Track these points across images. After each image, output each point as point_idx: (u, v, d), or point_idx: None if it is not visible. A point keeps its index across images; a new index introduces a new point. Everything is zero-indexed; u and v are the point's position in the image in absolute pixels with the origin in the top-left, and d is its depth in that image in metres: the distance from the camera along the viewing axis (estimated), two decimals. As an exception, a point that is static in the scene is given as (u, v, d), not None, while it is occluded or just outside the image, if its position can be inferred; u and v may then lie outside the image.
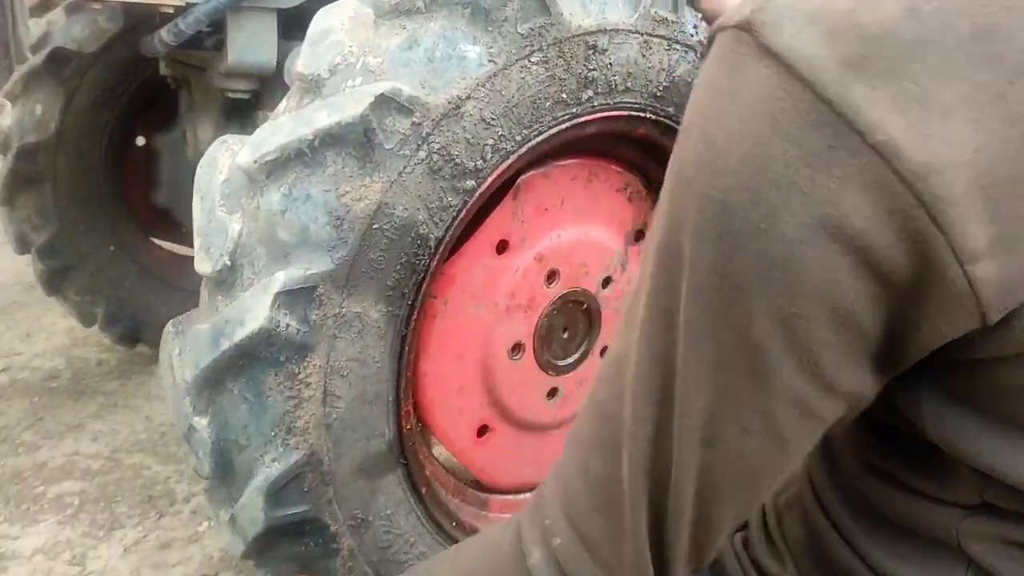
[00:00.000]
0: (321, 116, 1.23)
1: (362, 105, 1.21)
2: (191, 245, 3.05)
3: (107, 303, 2.86)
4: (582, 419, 0.77)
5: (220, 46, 1.95)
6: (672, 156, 0.63)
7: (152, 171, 2.79)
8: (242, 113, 2.11)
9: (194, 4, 1.77)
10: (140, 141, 2.84)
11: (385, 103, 1.22)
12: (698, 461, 0.67)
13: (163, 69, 2.32)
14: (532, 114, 1.35)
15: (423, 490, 1.47)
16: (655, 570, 0.73)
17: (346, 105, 1.22)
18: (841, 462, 0.85)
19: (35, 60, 2.43)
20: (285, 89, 2.00)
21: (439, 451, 1.71)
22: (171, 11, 1.80)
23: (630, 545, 0.72)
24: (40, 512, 2.28)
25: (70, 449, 2.57)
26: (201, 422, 1.32)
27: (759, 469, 0.67)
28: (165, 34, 1.79)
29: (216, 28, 1.95)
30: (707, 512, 0.70)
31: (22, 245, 2.72)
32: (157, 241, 3.02)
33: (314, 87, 1.29)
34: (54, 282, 2.80)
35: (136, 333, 2.94)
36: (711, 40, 0.61)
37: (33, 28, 2.56)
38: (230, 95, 1.99)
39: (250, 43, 1.87)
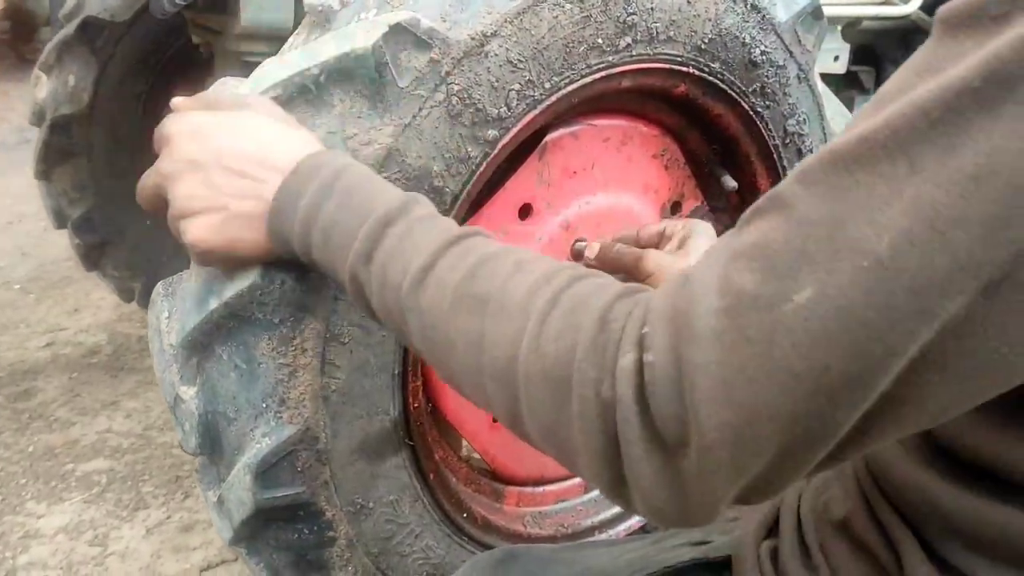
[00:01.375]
0: (329, 48, 1.00)
1: (374, 36, 0.98)
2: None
3: (145, 278, 2.67)
4: (737, 233, 0.56)
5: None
6: None
7: (188, 145, 2.58)
8: (264, 80, 1.90)
9: (208, -41, 1.56)
10: (176, 113, 2.63)
11: (401, 34, 0.99)
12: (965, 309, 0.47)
13: (193, 37, 2.11)
14: (564, 59, 1.11)
15: (431, 476, 1.23)
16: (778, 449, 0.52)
17: (357, 36, 0.99)
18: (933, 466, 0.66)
19: (67, 30, 2.24)
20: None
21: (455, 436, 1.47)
22: (192, -27, 1.59)
23: (752, 400, 0.51)
24: (67, 490, 2.10)
25: (103, 426, 2.38)
26: (188, 392, 1.10)
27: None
28: (173, -7, 1.58)
29: (236, -15, 1.74)
30: (903, 394, 0.50)
31: (59, 219, 2.54)
32: (194, 216, 2.82)
33: (324, 19, 1.06)
34: (92, 257, 2.61)
35: (173, 309, 2.73)
36: None
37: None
38: (247, 59, 1.77)
39: (266, 2, 1.65)
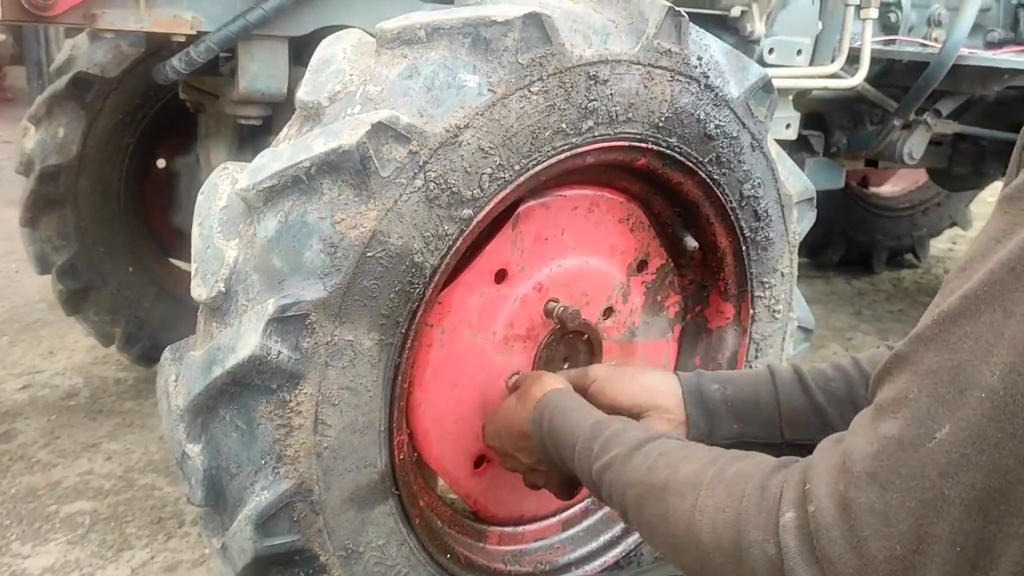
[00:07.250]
0: (318, 143, 1.20)
1: (359, 133, 1.18)
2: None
3: (126, 323, 2.86)
4: (873, 395, 0.73)
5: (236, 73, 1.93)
6: None
7: (172, 193, 2.78)
8: (255, 140, 2.09)
9: (206, 33, 1.75)
10: (161, 163, 2.84)
11: (382, 131, 1.20)
12: None
13: (181, 94, 2.31)
14: (531, 144, 1.32)
15: (417, 521, 1.42)
16: None
17: (343, 132, 1.19)
18: None
19: (58, 84, 2.44)
20: (297, 116, 2.00)
21: (440, 481, 1.66)
22: (183, 39, 1.78)
23: (915, 528, 0.65)
24: (51, 531, 2.26)
25: (84, 468, 2.55)
26: (194, 449, 1.29)
27: None
28: (176, 62, 1.77)
29: (233, 55, 1.93)
30: None
31: (43, 265, 2.72)
32: (176, 262, 3.01)
33: (314, 115, 1.27)
34: (74, 302, 2.79)
35: (154, 353, 2.90)
36: None
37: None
38: (242, 122, 1.97)
39: (262, 71, 1.85)
